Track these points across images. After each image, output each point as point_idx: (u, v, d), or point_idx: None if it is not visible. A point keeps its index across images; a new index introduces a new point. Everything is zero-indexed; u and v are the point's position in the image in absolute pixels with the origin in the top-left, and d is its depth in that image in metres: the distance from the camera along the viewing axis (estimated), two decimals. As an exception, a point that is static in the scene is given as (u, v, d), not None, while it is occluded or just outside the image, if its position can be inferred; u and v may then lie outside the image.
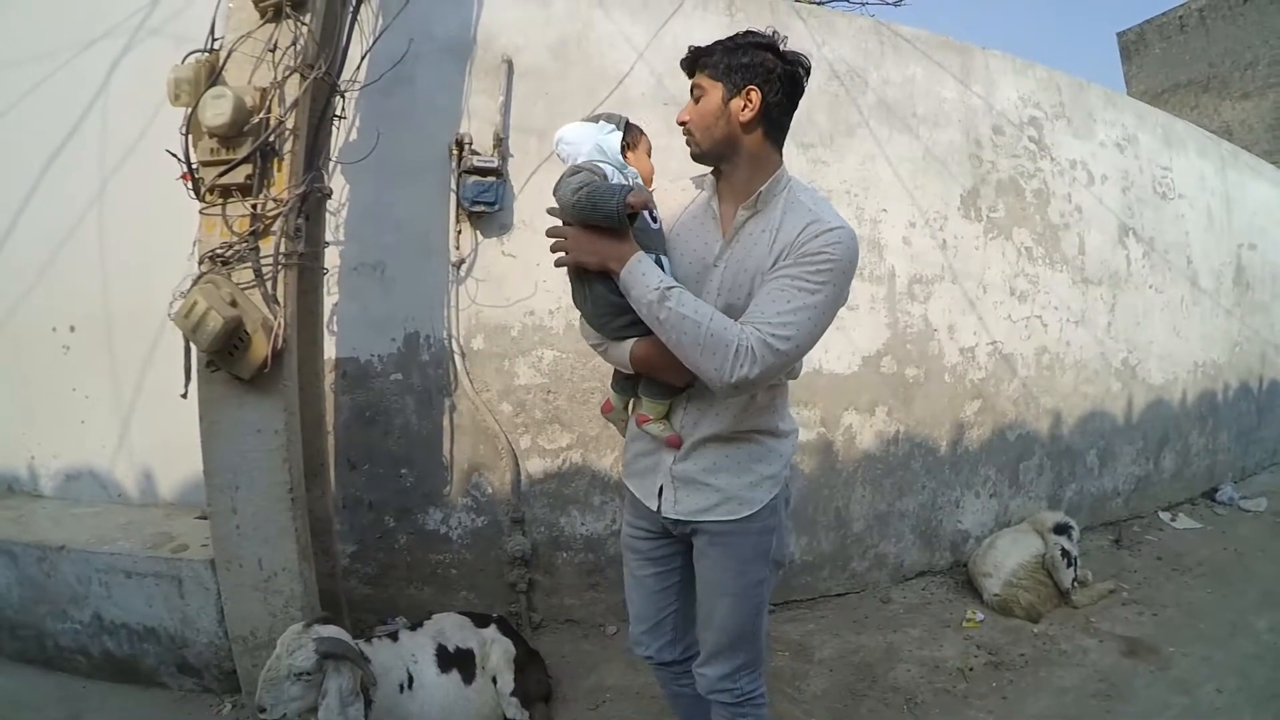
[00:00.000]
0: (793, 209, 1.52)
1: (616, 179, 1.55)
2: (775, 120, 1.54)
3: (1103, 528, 4.61)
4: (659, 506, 1.66)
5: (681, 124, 1.57)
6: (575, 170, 1.53)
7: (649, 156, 1.68)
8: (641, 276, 1.44)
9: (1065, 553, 3.53)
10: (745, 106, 1.49)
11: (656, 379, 1.58)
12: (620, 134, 1.62)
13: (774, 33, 1.52)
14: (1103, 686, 2.80)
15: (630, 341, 1.56)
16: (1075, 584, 3.55)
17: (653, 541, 1.76)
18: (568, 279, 1.61)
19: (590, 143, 1.60)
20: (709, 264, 1.57)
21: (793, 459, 1.72)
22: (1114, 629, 3.28)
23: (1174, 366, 5.09)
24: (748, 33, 1.52)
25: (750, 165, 1.54)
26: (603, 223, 1.46)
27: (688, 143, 1.57)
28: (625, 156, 1.62)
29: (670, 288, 1.42)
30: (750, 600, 1.65)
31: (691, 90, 1.56)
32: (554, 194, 1.54)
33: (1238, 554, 4.28)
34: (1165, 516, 4.95)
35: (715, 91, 1.51)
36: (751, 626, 1.67)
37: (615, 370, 1.71)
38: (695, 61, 1.55)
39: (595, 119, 1.65)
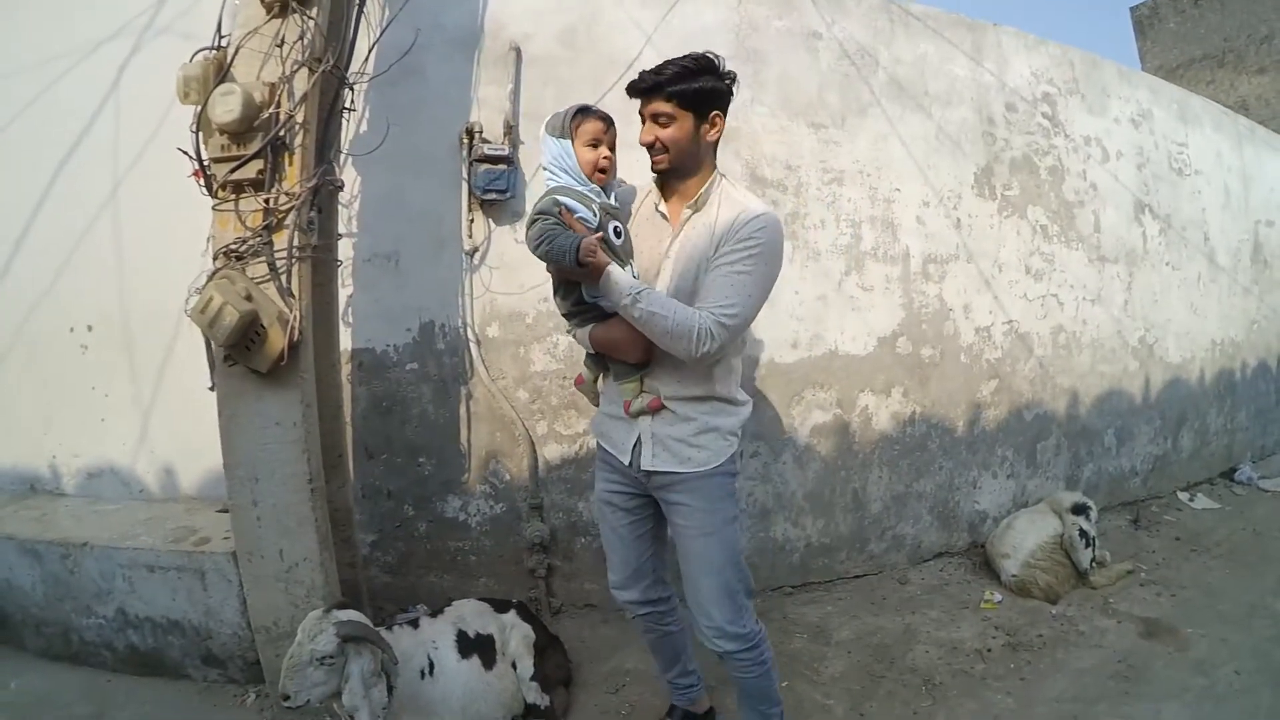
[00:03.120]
0: (726, 202, 1.81)
1: (576, 203, 1.78)
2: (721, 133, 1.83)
3: (1120, 508, 4.59)
4: (632, 461, 1.92)
5: (647, 145, 1.79)
6: (533, 219, 1.77)
7: (594, 147, 1.81)
8: (615, 285, 1.72)
9: (1083, 533, 3.52)
10: (713, 130, 1.80)
11: (614, 358, 1.88)
12: (560, 140, 1.80)
13: (714, 55, 1.76)
14: (1121, 668, 2.79)
15: (589, 326, 1.88)
16: (1093, 565, 3.54)
17: (626, 494, 2.02)
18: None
19: (547, 155, 1.83)
20: (661, 255, 1.86)
21: (757, 435, 2.05)
22: (1132, 610, 3.26)
23: (1191, 345, 5.04)
24: (698, 58, 1.74)
25: (701, 173, 1.84)
26: (568, 269, 1.74)
27: (657, 160, 1.80)
28: (577, 154, 1.80)
29: (640, 291, 1.71)
30: (729, 534, 1.92)
31: (655, 116, 1.76)
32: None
33: (1256, 534, 4.25)
34: (1183, 496, 4.92)
35: (685, 120, 1.76)
36: (735, 557, 1.93)
37: (587, 354, 2.00)
38: (654, 89, 1.74)
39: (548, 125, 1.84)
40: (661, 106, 1.74)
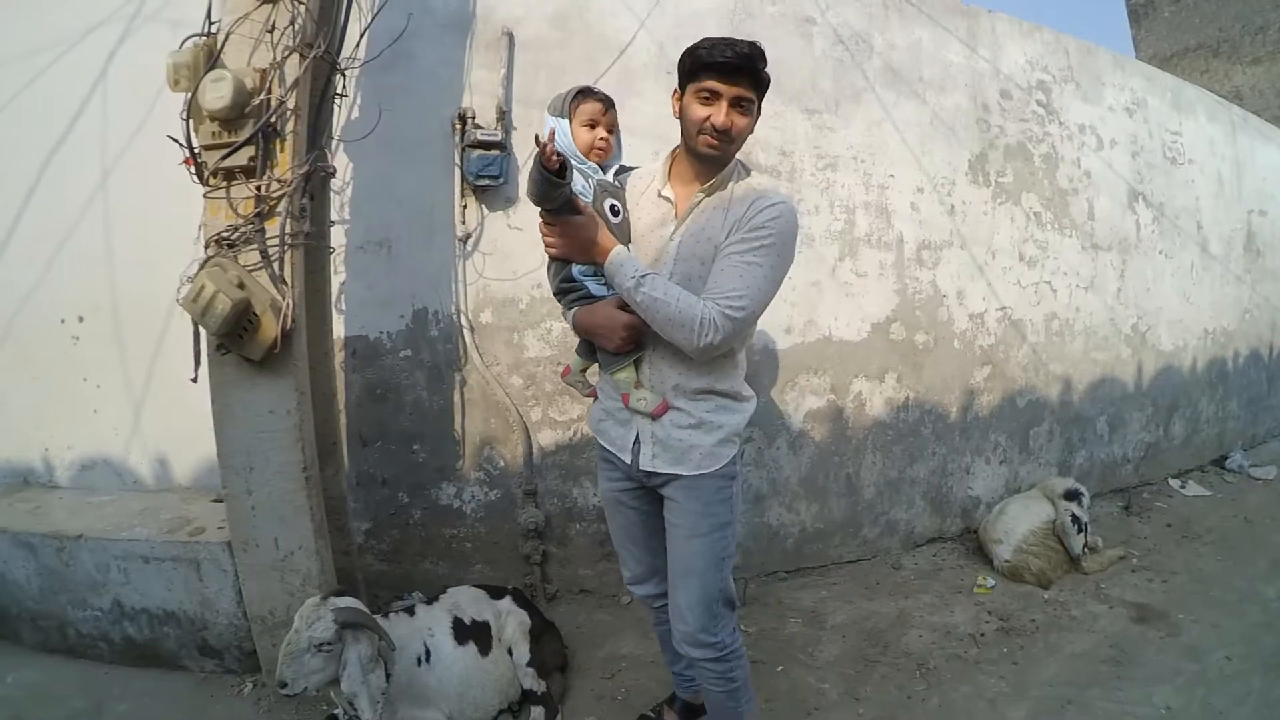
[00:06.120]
0: (742, 187, 1.72)
1: (575, 179, 1.71)
2: None
3: (1112, 494, 4.62)
4: (633, 460, 1.83)
5: (725, 131, 1.62)
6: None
7: (591, 128, 1.79)
8: (621, 267, 1.66)
9: (1075, 519, 3.54)
10: (756, 121, 1.69)
11: (596, 343, 1.82)
12: (560, 119, 1.78)
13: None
14: (1113, 653, 2.82)
15: (574, 309, 1.82)
16: (1085, 550, 3.56)
17: (632, 492, 1.94)
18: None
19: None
20: (665, 238, 1.75)
21: (750, 422, 1.89)
22: (1124, 595, 3.29)
23: (1184, 333, 5.06)
24: (758, 44, 1.61)
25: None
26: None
27: (715, 148, 1.64)
28: (574, 134, 1.78)
29: (644, 275, 1.63)
30: (716, 543, 1.82)
31: (740, 100, 1.61)
32: None
33: (1247, 522, 4.28)
34: (1175, 484, 4.95)
35: (755, 107, 1.66)
36: (716, 575, 1.83)
37: (579, 341, 1.94)
38: (746, 70, 1.59)
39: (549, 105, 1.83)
40: (746, 91, 1.61)
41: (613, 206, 1.78)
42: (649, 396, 1.76)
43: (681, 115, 1.70)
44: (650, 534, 1.97)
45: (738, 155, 1.76)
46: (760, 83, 1.63)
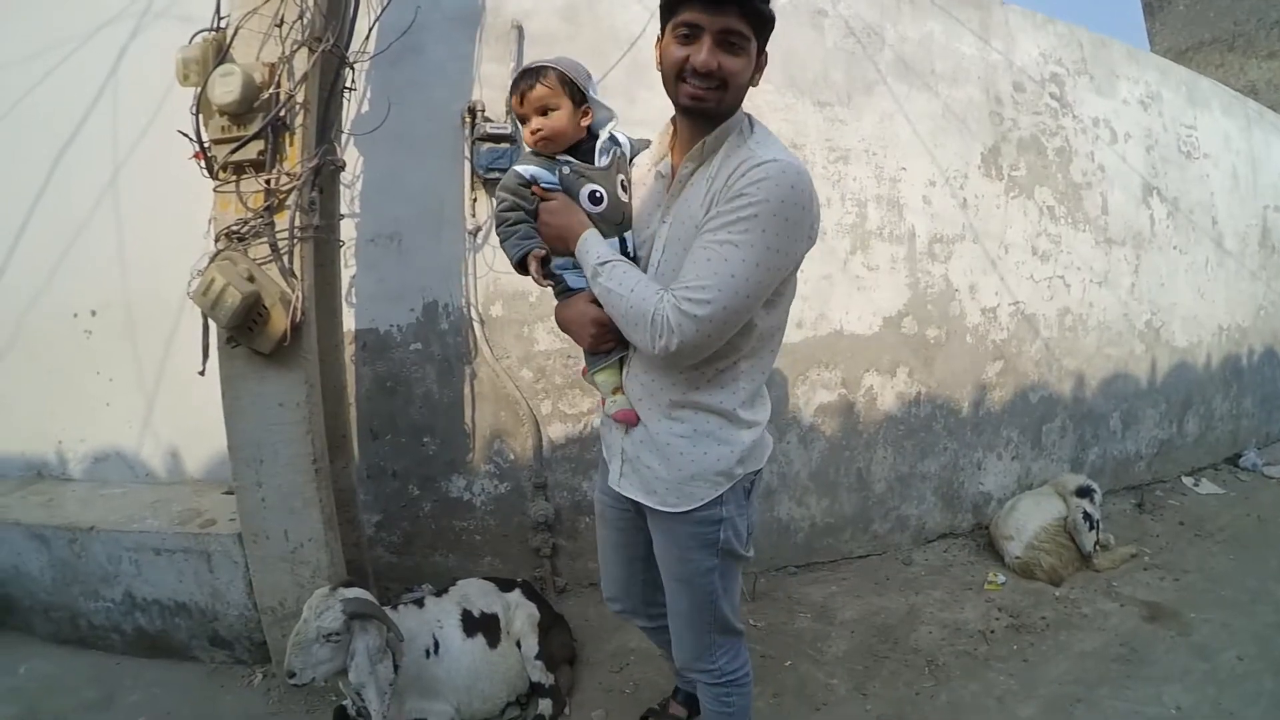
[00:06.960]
0: (734, 151, 1.36)
1: (540, 169, 1.54)
2: None
3: (1125, 491, 4.58)
4: (610, 477, 1.64)
5: (709, 74, 1.30)
6: (502, 189, 1.57)
7: (524, 123, 1.55)
8: (585, 254, 1.43)
9: (1087, 516, 3.51)
10: (759, 72, 1.39)
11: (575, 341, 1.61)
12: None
13: None
14: (1124, 651, 2.79)
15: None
16: (1097, 548, 3.53)
17: (617, 510, 1.72)
18: None
19: None
20: (658, 223, 1.49)
21: (755, 454, 1.56)
22: (1135, 593, 3.26)
23: (1198, 329, 5.01)
24: None
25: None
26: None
27: (705, 97, 1.33)
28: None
29: (604, 263, 1.39)
30: (700, 588, 1.58)
31: (728, 35, 1.28)
32: None
33: (1260, 520, 4.23)
34: (1188, 481, 4.90)
35: (751, 46, 1.32)
36: (707, 613, 1.62)
37: None
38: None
39: None
40: (736, 23, 1.27)
41: (593, 194, 1.52)
42: (621, 403, 1.55)
43: (661, 65, 1.39)
44: (627, 560, 1.78)
45: (747, 112, 1.44)
46: (759, 17, 1.30)
